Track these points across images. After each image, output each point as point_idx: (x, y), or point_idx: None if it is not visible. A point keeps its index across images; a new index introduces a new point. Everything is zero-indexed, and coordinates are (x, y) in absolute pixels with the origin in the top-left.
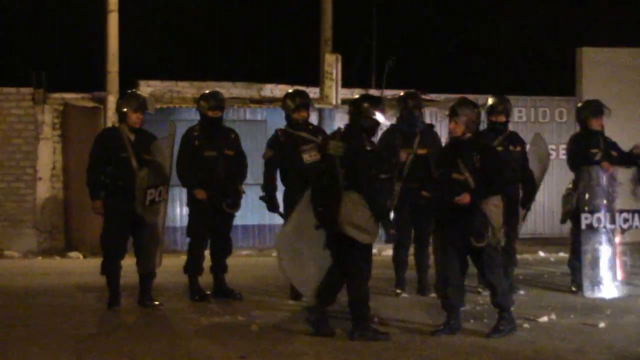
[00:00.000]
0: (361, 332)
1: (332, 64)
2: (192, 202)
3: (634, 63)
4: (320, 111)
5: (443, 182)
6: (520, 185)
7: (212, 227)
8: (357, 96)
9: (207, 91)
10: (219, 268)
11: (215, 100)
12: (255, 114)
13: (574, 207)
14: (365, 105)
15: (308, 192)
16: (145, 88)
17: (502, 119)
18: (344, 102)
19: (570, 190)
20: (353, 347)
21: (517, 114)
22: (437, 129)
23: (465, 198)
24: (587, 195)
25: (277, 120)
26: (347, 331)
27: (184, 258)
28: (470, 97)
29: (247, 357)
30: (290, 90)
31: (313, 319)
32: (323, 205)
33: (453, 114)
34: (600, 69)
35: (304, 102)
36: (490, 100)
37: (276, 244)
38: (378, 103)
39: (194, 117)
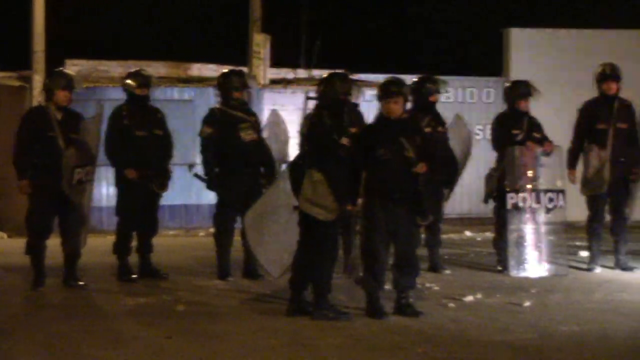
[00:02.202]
0: (322, 312)
1: (261, 44)
2: (121, 182)
3: (560, 44)
4: (249, 91)
5: (393, 161)
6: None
7: (140, 207)
8: (325, 74)
9: (132, 70)
10: (145, 248)
11: (142, 78)
12: (183, 93)
13: (496, 187)
14: (336, 82)
15: (282, 172)
16: (72, 67)
17: (435, 98)
18: (272, 82)
19: (493, 170)
20: (279, 326)
21: (444, 94)
22: (364, 109)
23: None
24: (511, 175)
25: (204, 99)
26: (283, 311)
27: (110, 238)
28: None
29: (172, 337)
30: (226, 70)
31: (292, 308)
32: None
33: (394, 94)
34: (527, 50)
35: (244, 82)
36: (422, 81)
37: (244, 223)
38: (346, 80)
39: (121, 96)
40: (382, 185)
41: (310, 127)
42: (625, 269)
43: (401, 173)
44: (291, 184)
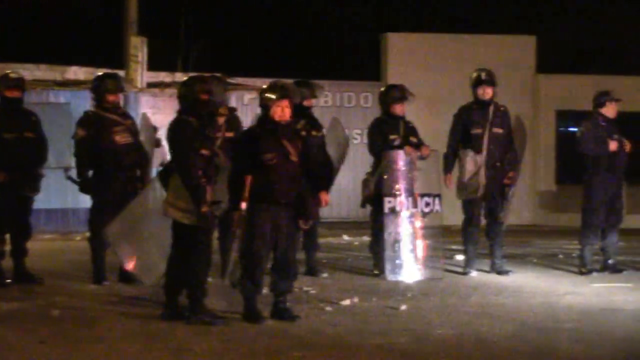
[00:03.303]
0: (198, 317)
1: (138, 47)
2: None
3: (437, 48)
4: (125, 94)
5: (280, 165)
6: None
7: (12, 210)
8: (186, 78)
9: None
10: (19, 252)
11: (13, 80)
12: (59, 96)
13: (372, 191)
14: (195, 84)
15: (154, 177)
16: None
17: (310, 102)
18: (149, 85)
19: (369, 174)
20: (155, 331)
21: (322, 99)
22: (243, 112)
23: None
24: (388, 180)
25: (81, 102)
26: (159, 315)
27: None
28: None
29: (46, 342)
30: (101, 73)
31: (167, 313)
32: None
33: (284, 98)
34: (405, 54)
35: (119, 85)
36: (297, 85)
37: (109, 229)
38: (206, 82)
39: None
40: (269, 190)
41: (171, 131)
42: (500, 272)
43: (287, 177)
44: (163, 188)
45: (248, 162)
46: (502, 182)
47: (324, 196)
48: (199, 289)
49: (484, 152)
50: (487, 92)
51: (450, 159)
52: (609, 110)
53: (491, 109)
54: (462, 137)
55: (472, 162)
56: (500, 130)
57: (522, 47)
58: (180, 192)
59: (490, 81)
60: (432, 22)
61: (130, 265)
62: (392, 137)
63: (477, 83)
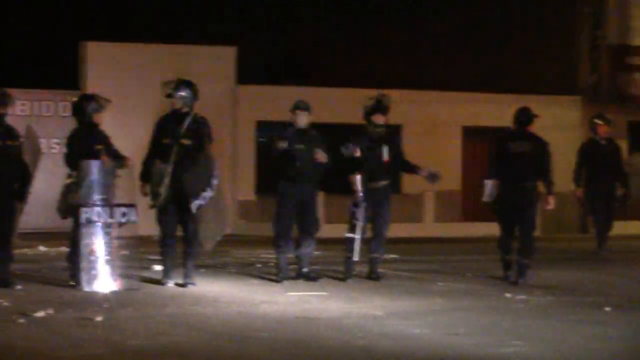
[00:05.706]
0: None
1: None
2: None
3: (138, 58)
4: None
5: None
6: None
7: None
8: None
9: None
10: None
11: None
12: None
13: (75, 202)
14: None
15: None
16: None
17: (2, 110)
18: None
19: (69, 185)
20: None
21: (19, 107)
22: None
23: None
24: (86, 189)
25: None
26: None
27: None
28: None
29: None
30: None
31: None
32: None
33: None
34: (103, 63)
35: None
36: None
37: None
38: None
39: None
40: None
41: None
42: (185, 284)
43: None
44: None
45: None
46: (189, 194)
47: (20, 205)
48: None
49: (171, 163)
50: (172, 103)
51: (147, 167)
52: (299, 119)
53: (188, 119)
54: (156, 146)
55: (159, 172)
56: (188, 142)
57: (223, 58)
58: None
59: (171, 95)
60: (134, 31)
61: None
62: (98, 147)
63: (169, 94)
